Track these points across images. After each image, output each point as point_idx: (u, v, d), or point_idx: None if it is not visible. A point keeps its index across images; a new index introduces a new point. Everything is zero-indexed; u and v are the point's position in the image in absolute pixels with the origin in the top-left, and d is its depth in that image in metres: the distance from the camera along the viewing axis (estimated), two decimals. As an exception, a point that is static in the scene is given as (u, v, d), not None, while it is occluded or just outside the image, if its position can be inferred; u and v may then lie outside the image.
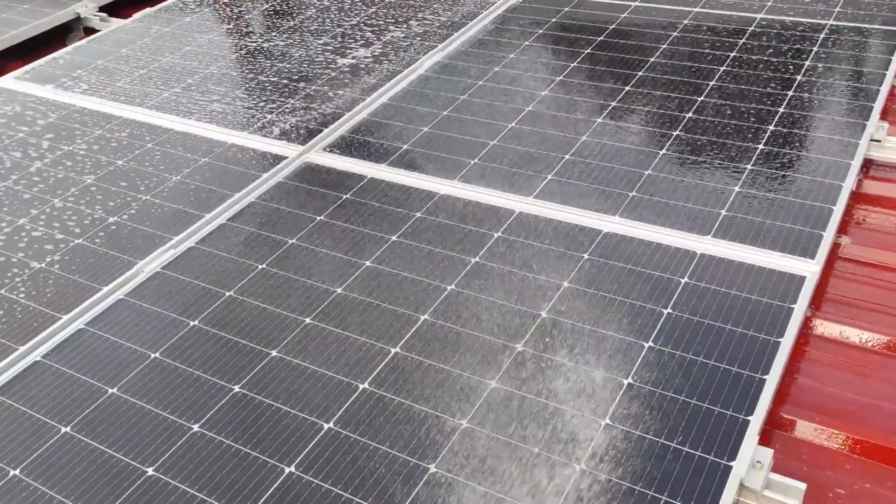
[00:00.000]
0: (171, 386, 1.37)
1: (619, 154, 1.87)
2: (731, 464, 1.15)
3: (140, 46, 2.64)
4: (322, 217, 1.76)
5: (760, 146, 1.84)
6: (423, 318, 1.46)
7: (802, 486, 1.12)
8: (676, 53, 2.28)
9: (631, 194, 1.72)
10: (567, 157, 1.87)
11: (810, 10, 2.43)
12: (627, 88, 2.12)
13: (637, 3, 2.59)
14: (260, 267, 1.63)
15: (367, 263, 1.61)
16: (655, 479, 1.14)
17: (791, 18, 2.39)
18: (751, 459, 1.15)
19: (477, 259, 1.59)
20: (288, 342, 1.44)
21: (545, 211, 1.70)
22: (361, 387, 1.34)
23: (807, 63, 2.16)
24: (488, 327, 1.42)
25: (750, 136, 1.88)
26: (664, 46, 2.32)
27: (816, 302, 1.52)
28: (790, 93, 2.03)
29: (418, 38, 2.51)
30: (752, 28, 2.36)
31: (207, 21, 2.79)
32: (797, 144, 1.84)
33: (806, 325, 1.47)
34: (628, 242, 1.59)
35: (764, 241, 1.56)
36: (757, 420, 1.21)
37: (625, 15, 2.53)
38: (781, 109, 1.97)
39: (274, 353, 1.42)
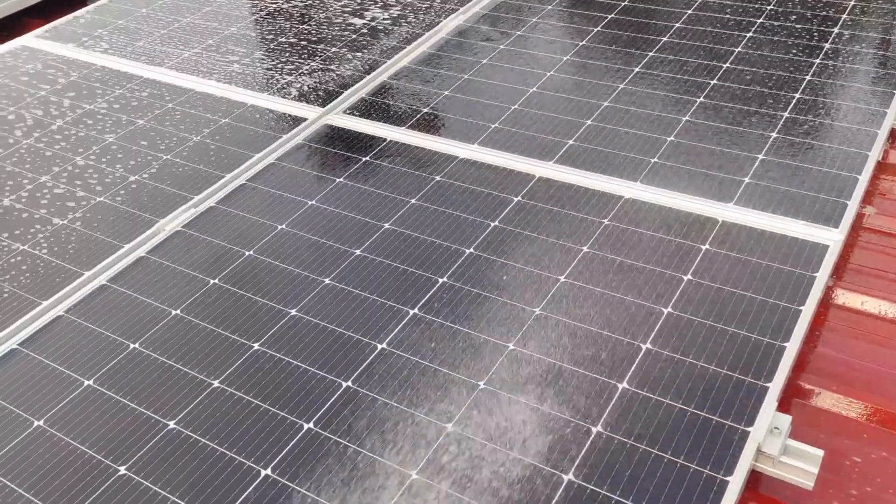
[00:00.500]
0: (191, 342, 1.39)
1: (642, 120, 1.84)
2: (748, 429, 1.15)
3: (160, 6, 2.63)
4: (342, 179, 1.76)
5: (786, 114, 1.81)
6: (441, 280, 1.46)
7: (820, 452, 1.12)
8: (701, 19, 2.24)
9: (653, 160, 1.71)
10: (589, 122, 1.86)
11: (840, -24, 2.38)
12: (651, 54, 2.09)
13: (662, -32, 2.55)
14: (280, 227, 1.63)
15: (386, 226, 1.61)
16: (672, 443, 1.14)
17: (820, -15, 2.35)
18: (769, 425, 1.15)
19: (496, 223, 1.58)
20: (307, 302, 1.45)
21: (565, 176, 1.69)
22: (380, 347, 1.34)
23: (834, 30, 2.12)
24: (507, 291, 1.42)
25: (775, 103, 1.85)
26: (689, 12, 2.28)
27: (838, 271, 1.50)
28: (817, 60, 2.00)
29: (438, 1, 2.48)
30: (780, -6, 2.32)
31: (227, -19, 2.77)
32: (823, 112, 1.81)
33: (827, 295, 1.46)
34: (649, 208, 1.58)
35: (787, 209, 1.54)
36: (776, 387, 1.21)
37: (650, -20, 2.48)
38: (808, 77, 1.93)
39: (293, 311, 1.43)
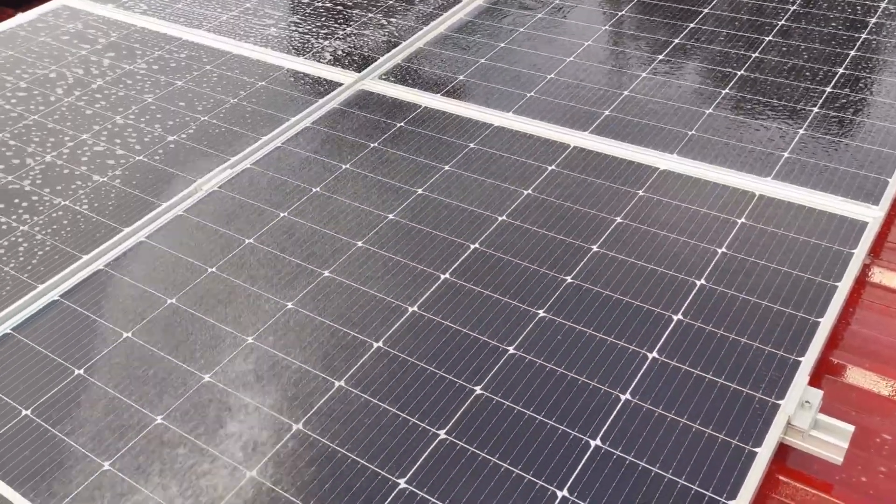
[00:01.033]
0: (227, 298, 1.41)
1: (680, 92, 1.82)
2: (779, 402, 1.15)
3: (198, -31, 2.64)
4: (376, 144, 1.76)
5: (828, 88, 1.78)
6: (473, 246, 1.47)
7: (850, 427, 1.12)
8: (745, -9, 2.20)
9: (690, 133, 1.69)
10: (625, 93, 1.84)
11: (891, -51, 2.32)
12: (690, 26, 2.06)
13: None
14: (314, 190, 1.65)
15: (419, 191, 1.61)
16: (701, 413, 1.15)
17: (869, -42, 2.28)
18: (800, 399, 1.14)
19: (529, 191, 1.58)
20: (339, 264, 1.46)
21: (600, 146, 1.68)
22: (410, 310, 1.36)
23: (881, 4, 2.06)
24: (537, 259, 1.43)
25: (817, 78, 1.82)
26: (732, -16, 2.24)
27: (876, 249, 1.48)
28: (862, 35, 1.95)
29: (477, -32, 2.45)
30: (826, -33, 2.26)
31: (265, -55, 2.77)
32: (865, 88, 1.77)
33: (863, 272, 1.44)
34: (685, 181, 1.57)
35: (826, 185, 1.52)
36: (808, 361, 1.20)
37: (692, -50, 2.43)
38: (851, 52, 1.89)
39: (326, 272, 1.45)
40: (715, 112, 1.75)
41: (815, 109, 1.72)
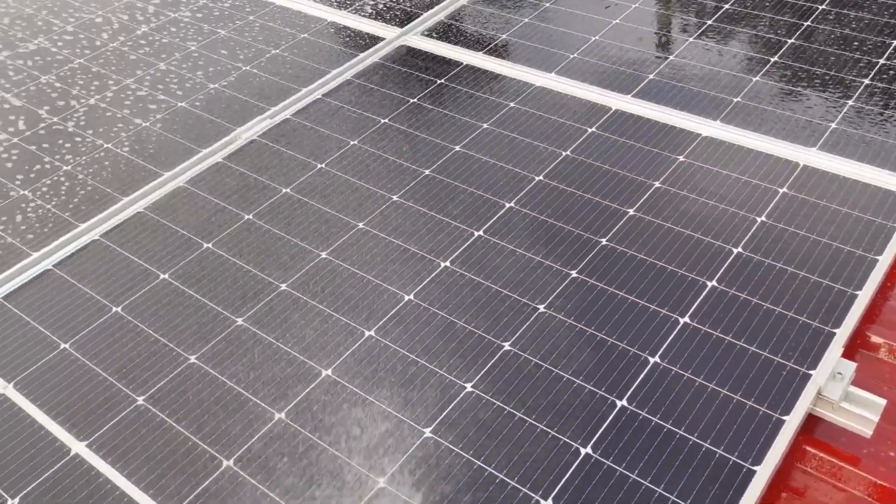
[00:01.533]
0: (260, 246, 1.43)
1: (726, 59, 1.78)
2: (811, 372, 1.14)
3: (244, -81, 2.63)
4: (415, 100, 1.75)
5: (880, 60, 1.73)
6: (508, 205, 1.46)
7: (882, 401, 1.10)
8: (800, -42, 2.13)
9: (735, 100, 1.66)
10: (671, 58, 1.80)
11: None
12: (743, -8, 2.01)
13: None
14: (352, 143, 1.65)
15: (457, 148, 1.61)
16: (731, 379, 1.14)
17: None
18: (832, 370, 1.13)
19: (568, 153, 1.57)
20: (373, 218, 1.47)
21: (643, 111, 1.65)
22: (442, 265, 1.36)
23: (945, -23, 1.99)
24: (573, 219, 1.42)
25: (869, 49, 1.76)
26: (788, -50, 2.17)
27: (921, 226, 1.45)
28: (922, 7, 1.88)
29: (525, -73, 2.41)
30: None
31: None
32: (923, 62, 1.72)
33: (906, 249, 1.41)
34: (727, 148, 1.54)
35: (873, 158, 1.48)
36: (843, 334, 1.19)
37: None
38: (910, 24, 1.83)
39: (360, 224, 1.45)
40: (762, 80, 1.71)
41: (866, 81, 1.67)
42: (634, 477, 1.04)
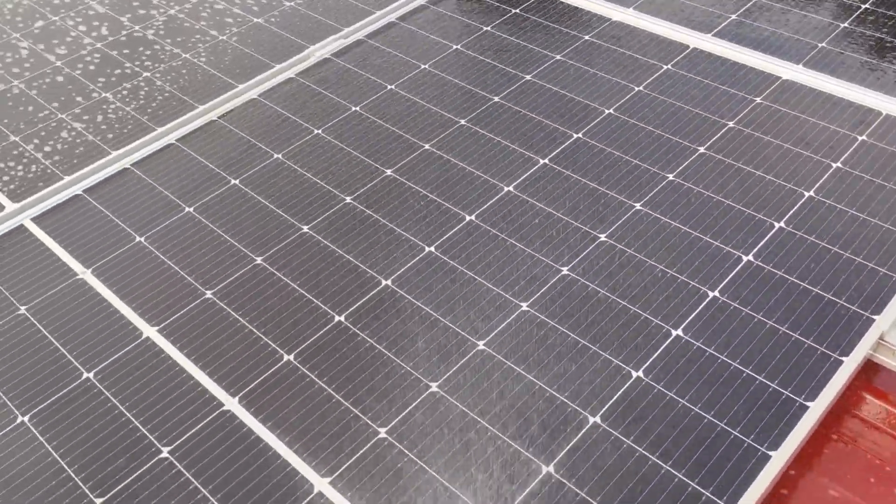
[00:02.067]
0: (330, 159, 1.46)
1: (814, 3, 1.72)
2: (874, 317, 1.12)
3: None
4: (489, 28, 1.74)
5: (981, 14, 1.64)
6: (576, 136, 1.46)
7: (946, 351, 1.08)
8: None
9: (820, 45, 1.60)
10: None
11: None
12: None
13: None
14: (423, 67, 1.65)
15: (528, 77, 1.60)
16: (791, 318, 1.13)
17: None
18: (896, 317, 1.11)
19: (640, 88, 1.54)
20: (440, 139, 1.48)
21: (722, 50, 1.61)
22: (506, 189, 1.37)
23: None
24: (641, 154, 1.40)
25: (971, 3, 1.68)
26: None
27: None
28: None
29: None
30: None
31: None
32: None
33: None
34: (807, 92, 1.49)
35: (961, 113, 1.43)
36: (911, 283, 1.16)
37: None
38: None
39: (426, 146, 1.47)
40: (850, 27, 1.64)
41: (963, 34, 1.60)
42: (684, 402, 1.05)
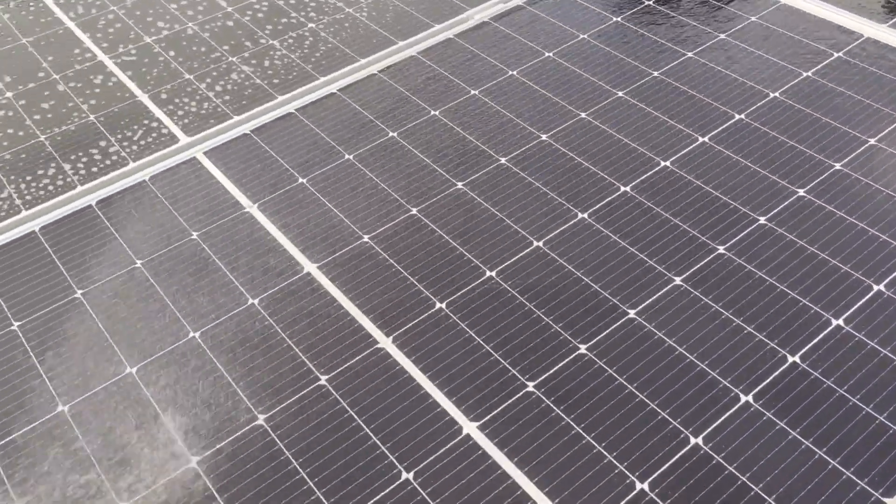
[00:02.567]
0: (487, 118, 1.48)
1: None
2: None
3: None
4: (649, 2, 1.72)
5: None
6: (738, 117, 1.43)
7: None
8: None
9: None
10: (938, -9, 1.66)
11: None
12: None
13: None
14: (581, 37, 1.65)
15: (690, 54, 1.57)
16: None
17: None
18: None
19: (809, 74, 1.49)
20: (596, 109, 1.48)
21: (898, 42, 1.54)
22: (662, 164, 1.36)
23: None
24: (806, 140, 1.37)
25: None
26: None
27: None
28: None
29: None
30: None
31: None
32: None
33: None
34: None
35: None
36: None
37: None
38: None
39: (583, 115, 1.47)
40: None
41: None
42: (841, 392, 1.03)
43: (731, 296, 1.16)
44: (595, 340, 1.12)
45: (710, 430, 1.01)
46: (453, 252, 1.26)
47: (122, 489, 1.02)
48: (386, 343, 1.15)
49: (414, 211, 1.33)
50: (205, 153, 1.48)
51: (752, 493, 0.95)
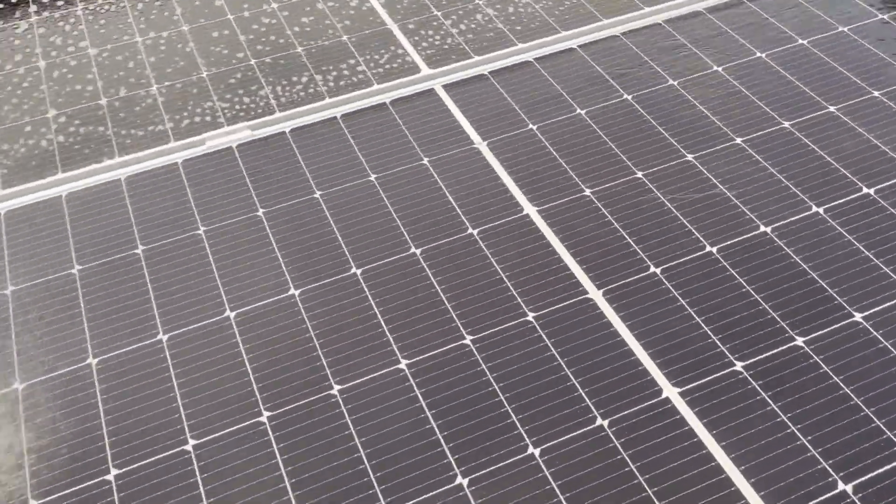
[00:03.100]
0: (725, 99, 1.45)
1: None
2: None
3: None
4: (922, 3, 1.60)
5: None
6: None
7: None
8: None
9: None
10: None
11: None
12: None
13: None
14: (841, 29, 1.57)
15: (962, 64, 1.46)
16: None
17: None
18: None
19: None
20: (851, 104, 1.41)
21: None
22: (912, 174, 1.28)
23: None
24: None
25: None
26: None
27: None
28: None
29: None
30: None
31: None
32: None
33: None
34: None
35: None
36: None
37: None
38: None
39: (832, 108, 1.41)
40: None
41: None
42: None
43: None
44: (815, 335, 1.09)
45: (927, 451, 0.97)
46: (674, 221, 1.26)
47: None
48: (595, 295, 1.17)
49: (639, 175, 1.34)
50: (443, 86, 1.54)
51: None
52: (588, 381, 1.07)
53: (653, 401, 1.05)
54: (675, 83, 1.50)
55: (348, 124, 1.48)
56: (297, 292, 1.20)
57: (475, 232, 1.28)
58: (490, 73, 1.56)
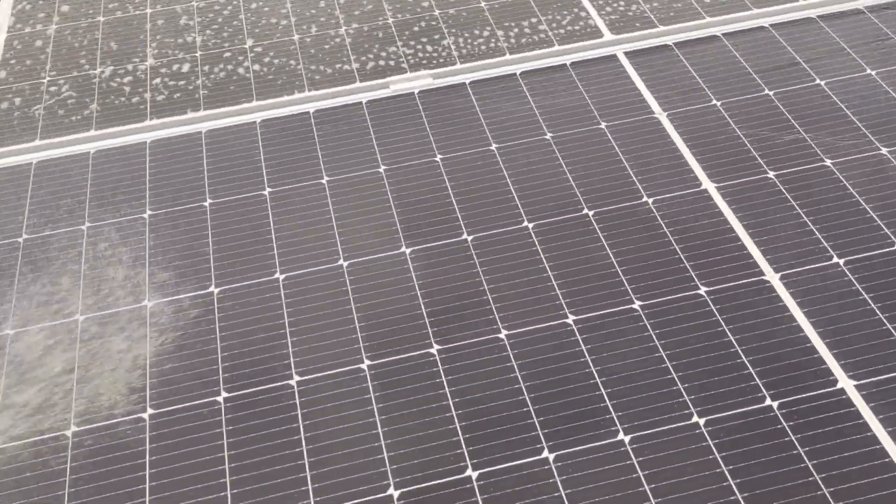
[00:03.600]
0: (879, 99, 1.38)
1: None
2: None
3: None
4: None
5: None
6: None
7: None
8: None
9: None
10: None
11: None
12: None
13: None
14: None
15: None
16: None
17: None
18: None
19: None
20: None
21: None
22: None
23: None
24: None
25: None
26: None
27: None
28: None
29: None
30: None
31: None
32: None
33: None
34: None
35: None
36: None
37: None
38: None
39: None
40: None
41: None
42: None
43: None
44: None
45: None
46: (863, 214, 1.21)
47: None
48: (772, 277, 1.15)
49: (828, 163, 1.29)
50: (625, 53, 1.53)
51: None
52: (759, 360, 1.06)
53: (826, 389, 1.03)
54: (874, 73, 1.43)
55: (527, 81, 1.49)
56: (471, 237, 1.24)
57: (650, 201, 1.27)
58: (675, 44, 1.54)
